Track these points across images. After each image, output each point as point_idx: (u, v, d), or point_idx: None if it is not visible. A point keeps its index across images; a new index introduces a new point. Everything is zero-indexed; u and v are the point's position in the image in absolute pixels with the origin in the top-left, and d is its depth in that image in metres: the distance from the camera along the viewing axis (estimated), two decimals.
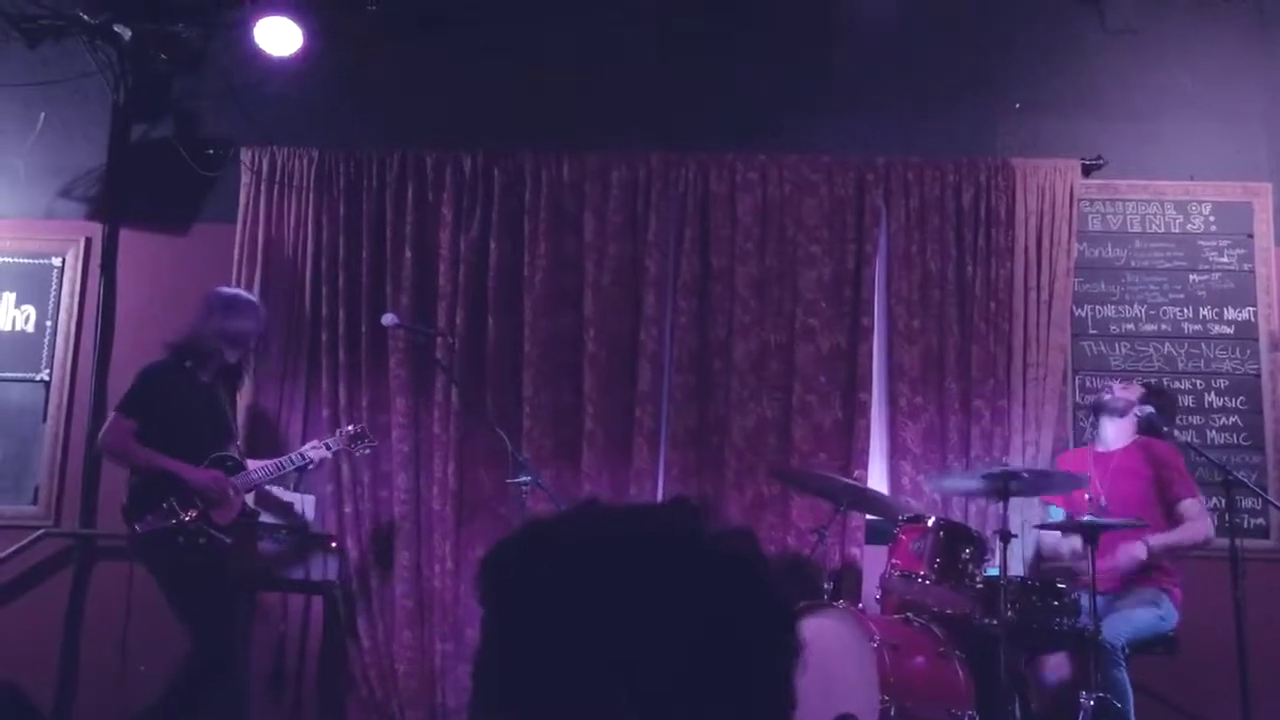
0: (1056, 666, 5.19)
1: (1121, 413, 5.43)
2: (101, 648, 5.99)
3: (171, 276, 6.39)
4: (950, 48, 6.34)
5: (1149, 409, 5.36)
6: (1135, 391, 5.50)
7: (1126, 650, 4.86)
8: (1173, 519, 5.21)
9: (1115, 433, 5.46)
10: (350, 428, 5.61)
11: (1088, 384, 6.05)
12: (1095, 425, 5.62)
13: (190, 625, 4.96)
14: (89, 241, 6.44)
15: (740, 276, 6.10)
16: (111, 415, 5.17)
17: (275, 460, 5.40)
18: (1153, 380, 5.87)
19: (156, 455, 4.98)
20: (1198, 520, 5.20)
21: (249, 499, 5.30)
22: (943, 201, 6.14)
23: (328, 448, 5.46)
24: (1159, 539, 5.09)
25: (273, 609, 5.93)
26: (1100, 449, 5.50)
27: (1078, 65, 6.35)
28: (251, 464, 5.32)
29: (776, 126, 6.30)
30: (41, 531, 6.18)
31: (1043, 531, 5.51)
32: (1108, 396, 5.52)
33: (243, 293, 5.59)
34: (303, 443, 6.00)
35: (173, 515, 4.92)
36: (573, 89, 6.32)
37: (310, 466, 5.45)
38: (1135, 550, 5.04)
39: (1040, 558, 5.61)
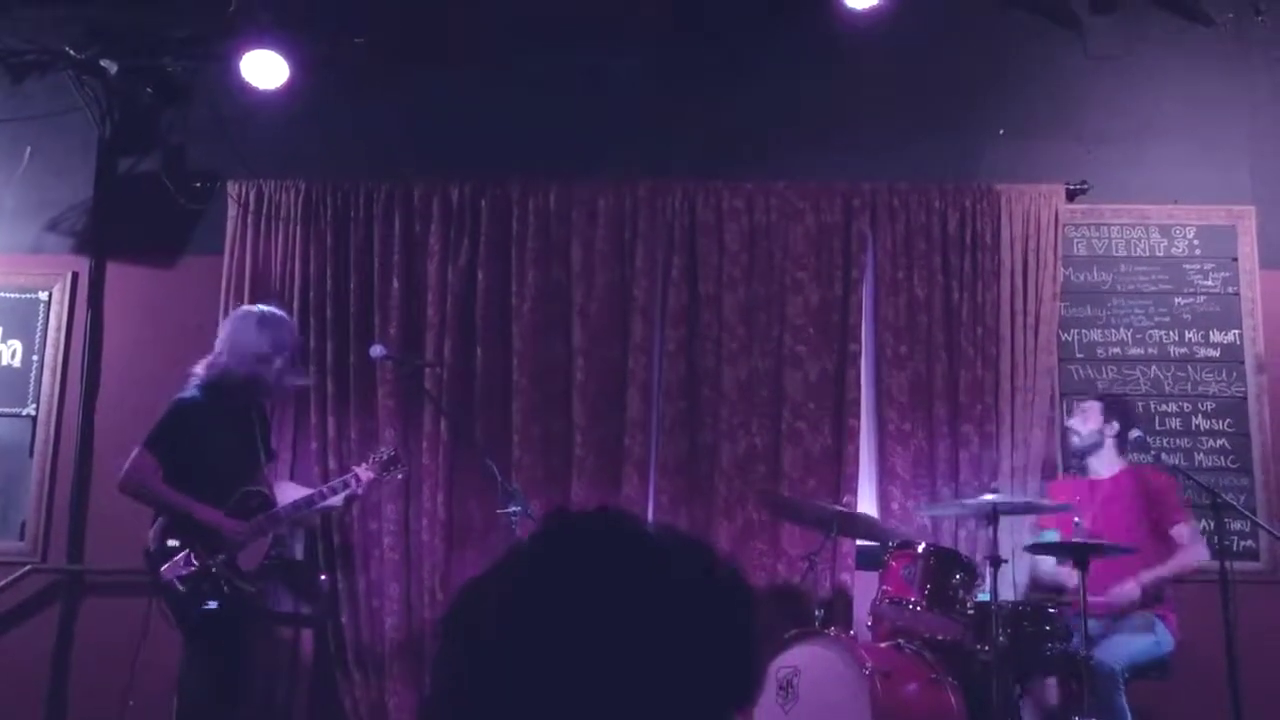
0: (1048, 692, 5.18)
1: (1096, 445, 5.42)
2: (90, 684, 5.97)
3: (159, 310, 6.39)
4: (934, 75, 6.37)
5: (1136, 433, 5.38)
6: (1095, 419, 5.46)
7: (1126, 675, 4.86)
8: (1166, 544, 5.21)
9: (1099, 464, 5.45)
10: (383, 451, 5.42)
11: (1075, 408, 6.05)
12: (1082, 462, 5.58)
13: (194, 671, 4.81)
14: (76, 276, 6.44)
15: (728, 303, 6.11)
16: (135, 451, 4.86)
17: (304, 496, 5.18)
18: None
19: (180, 497, 4.75)
20: (1191, 546, 5.22)
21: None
22: (929, 227, 6.16)
23: (357, 480, 5.20)
24: (1151, 574, 5.09)
25: (263, 643, 5.89)
26: (1091, 477, 5.49)
27: (1061, 91, 6.40)
28: (281, 494, 5.16)
29: (763, 154, 6.32)
30: (29, 568, 6.15)
31: (1039, 560, 5.48)
32: (1076, 440, 5.51)
33: (267, 308, 5.25)
34: (291, 476, 5.98)
35: (197, 561, 4.68)
36: (559, 118, 6.34)
37: (347, 496, 5.23)
38: (1128, 590, 5.05)
39: (1038, 587, 5.57)
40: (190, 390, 4.95)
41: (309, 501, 5.13)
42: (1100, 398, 5.63)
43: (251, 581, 4.88)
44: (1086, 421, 5.48)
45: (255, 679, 5.15)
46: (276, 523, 5.03)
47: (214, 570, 4.72)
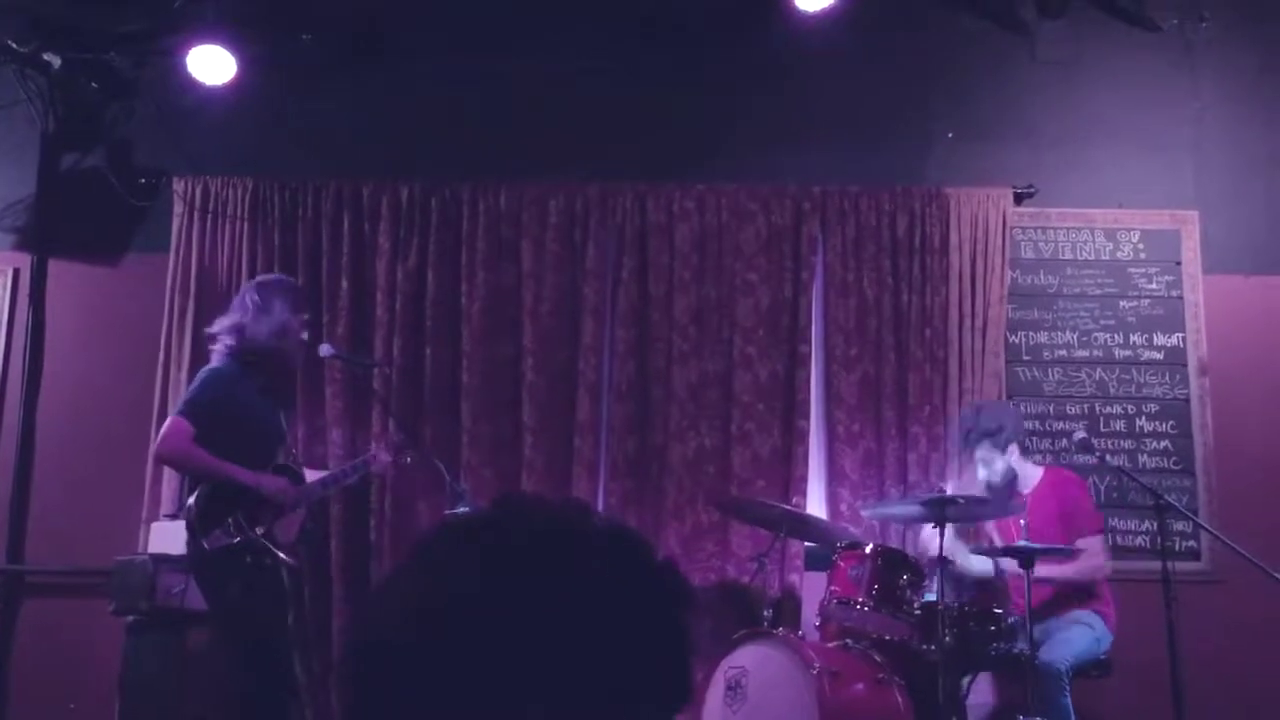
0: (992, 691, 5.22)
1: (1013, 475, 5.37)
2: (30, 686, 5.89)
3: (102, 307, 6.31)
4: (884, 78, 6.41)
5: (1080, 434, 5.40)
6: (996, 459, 5.29)
7: (1070, 675, 4.89)
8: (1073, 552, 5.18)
9: (1024, 483, 5.39)
10: (394, 436, 5.41)
11: (1023, 409, 6.07)
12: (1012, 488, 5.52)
13: (246, 651, 4.61)
14: (17, 273, 6.34)
15: (679, 305, 6.12)
16: (170, 420, 4.68)
17: (331, 473, 5.15)
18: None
19: (222, 462, 4.57)
20: (1092, 558, 5.14)
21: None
22: (879, 230, 6.20)
23: (375, 459, 5.18)
24: (1048, 570, 5.03)
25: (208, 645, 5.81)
26: (1025, 490, 5.45)
27: (1009, 95, 6.46)
28: (308, 475, 5.04)
29: (714, 156, 6.33)
30: None
31: (969, 559, 5.44)
32: (997, 482, 5.33)
33: (275, 275, 5.20)
34: None
35: (240, 532, 4.54)
36: (510, 119, 6.32)
37: (369, 473, 5.23)
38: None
39: (963, 584, 5.54)
40: (220, 360, 4.78)
41: (334, 479, 5.10)
42: (982, 439, 5.35)
43: (290, 553, 4.76)
44: (993, 465, 5.33)
45: (292, 659, 4.86)
46: (310, 496, 4.92)
47: (255, 542, 4.57)
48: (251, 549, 4.58)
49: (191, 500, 4.62)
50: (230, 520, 4.56)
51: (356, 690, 1.07)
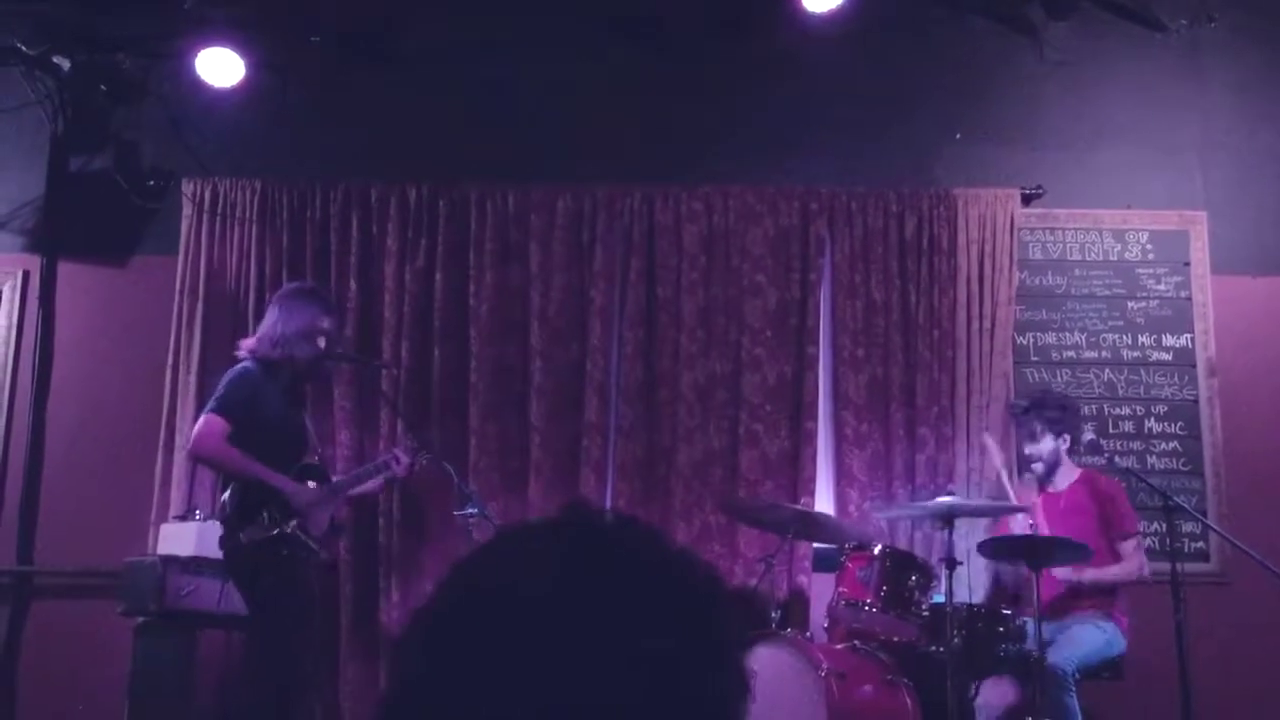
0: (1003, 693, 5.21)
1: (1056, 462, 5.44)
2: (38, 688, 5.90)
3: (111, 309, 6.32)
4: (892, 79, 6.41)
5: (1089, 435, 5.42)
6: (1048, 440, 5.42)
7: (1076, 676, 4.89)
8: (1115, 554, 5.26)
9: (1060, 477, 5.46)
10: (410, 438, 5.50)
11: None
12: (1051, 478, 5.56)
13: (270, 643, 4.69)
14: (27, 274, 6.35)
15: (686, 306, 6.12)
16: (204, 417, 4.75)
17: (356, 471, 5.31)
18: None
19: (257, 465, 4.67)
20: (1132, 559, 5.28)
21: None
22: (886, 231, 6.20)
23: (397, 461, 5.24)
24: (1092, 573, 5.15)
25: (217, 647, 5.82)
26: (1050, 489, 5.50)
27: (1017, 96, 6.45)
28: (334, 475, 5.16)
29: (721, 157, 6.34)
30: None
31: (1003, 566, 5.49)
32: (1039, 468, 5.46)
33: (307, 283, 5.37)
34: None
35: (274, 526, 4.64)
36: (517, 121, 6.32)
37: (392, 474, 5.28)
38: (1063, 573, 5.09)
39: (1000, 592, 5.61)
40: (247, 362, 4.88)
41: (358, 478, 5.21)
42: (1038, 415, 5.50)
43: (321, 547, 4.89)
44: (1040, 443, 5.46)
45: (310, 654, 4.90)
46: (335, 493, 5.04)
47: (290, 535, 4.68)
48: (287, 542, 4.68)
49: (226, 495, 4.75)
50: (265, 514, 4.66)
51: (405, 679, 1.07)
